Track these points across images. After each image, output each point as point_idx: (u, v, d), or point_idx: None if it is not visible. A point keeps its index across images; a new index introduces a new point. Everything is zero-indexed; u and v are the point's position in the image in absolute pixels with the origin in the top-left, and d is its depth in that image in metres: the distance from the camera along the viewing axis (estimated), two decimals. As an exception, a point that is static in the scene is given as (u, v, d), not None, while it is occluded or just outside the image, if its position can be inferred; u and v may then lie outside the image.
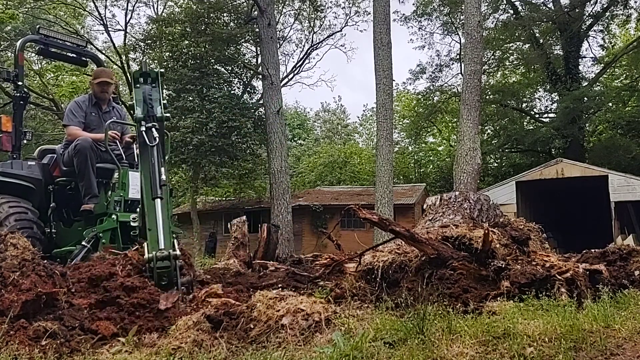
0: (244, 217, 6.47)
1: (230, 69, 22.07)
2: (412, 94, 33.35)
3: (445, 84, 29.45)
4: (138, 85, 3.99)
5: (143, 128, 3.71)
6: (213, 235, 22.19)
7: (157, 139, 3.65)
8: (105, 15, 24.46)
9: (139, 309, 3.04)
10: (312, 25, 27.76)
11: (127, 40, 24.60)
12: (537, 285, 3.25)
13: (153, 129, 3.67)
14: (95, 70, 5.95)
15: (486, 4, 25.84)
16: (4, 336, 2.51)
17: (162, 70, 4.24)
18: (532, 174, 17.54)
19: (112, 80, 5.80)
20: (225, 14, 21.46)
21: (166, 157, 4.00)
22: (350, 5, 27.33)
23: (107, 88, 5.63)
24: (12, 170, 5.30)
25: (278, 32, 22.82)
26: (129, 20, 26.20)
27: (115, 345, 2.70)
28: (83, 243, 4.69)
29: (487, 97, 26.54)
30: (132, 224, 4.59)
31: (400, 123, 35.89)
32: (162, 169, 3.55)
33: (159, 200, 3.48)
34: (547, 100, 30.51)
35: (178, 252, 3.39)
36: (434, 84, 29.25)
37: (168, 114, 3.86)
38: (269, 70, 18.52)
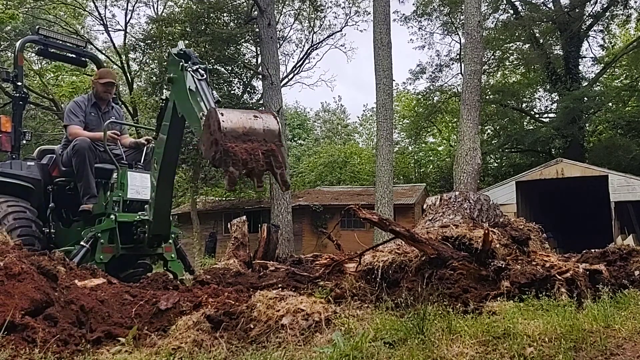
0: (244, 217, 6.46)
1: (230, 69, 22.03)
2: (412, 94, 33.39)
3: (445, 84, 29.51)
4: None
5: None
6: (213, 235, 22.16)
7: None
8: (105, 15, 24.54)
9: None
10: (312, 25, 27.81)
11: (127, 40, 24.61)
12: (537, 285, 3.24)
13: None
14: (100, 70, 5.97)
15: (486, 4, 25.85)
16: (3, 336, 2.50)
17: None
18: (532, 174, 17.52)
19: (116, 81, 5.86)
20: (225, 14, 21.45)
21: None
22: (350, 5, 27.39)
23: (111, 89, 5.68)
24: (11, 171, 5.30)
25: (278, 32, 22.81)
26: (129, 20, 26.24)
27: (115, 345, 2.70)
28: (82, 243, 4.70)
29: (487, 97, 26.53)
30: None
31: (400, 123, 35.88)
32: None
33: None
34: (547, 100, 30.58)
35: None
36: (434, 84, 29.30)
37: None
38: (269, 70, 18.51)
